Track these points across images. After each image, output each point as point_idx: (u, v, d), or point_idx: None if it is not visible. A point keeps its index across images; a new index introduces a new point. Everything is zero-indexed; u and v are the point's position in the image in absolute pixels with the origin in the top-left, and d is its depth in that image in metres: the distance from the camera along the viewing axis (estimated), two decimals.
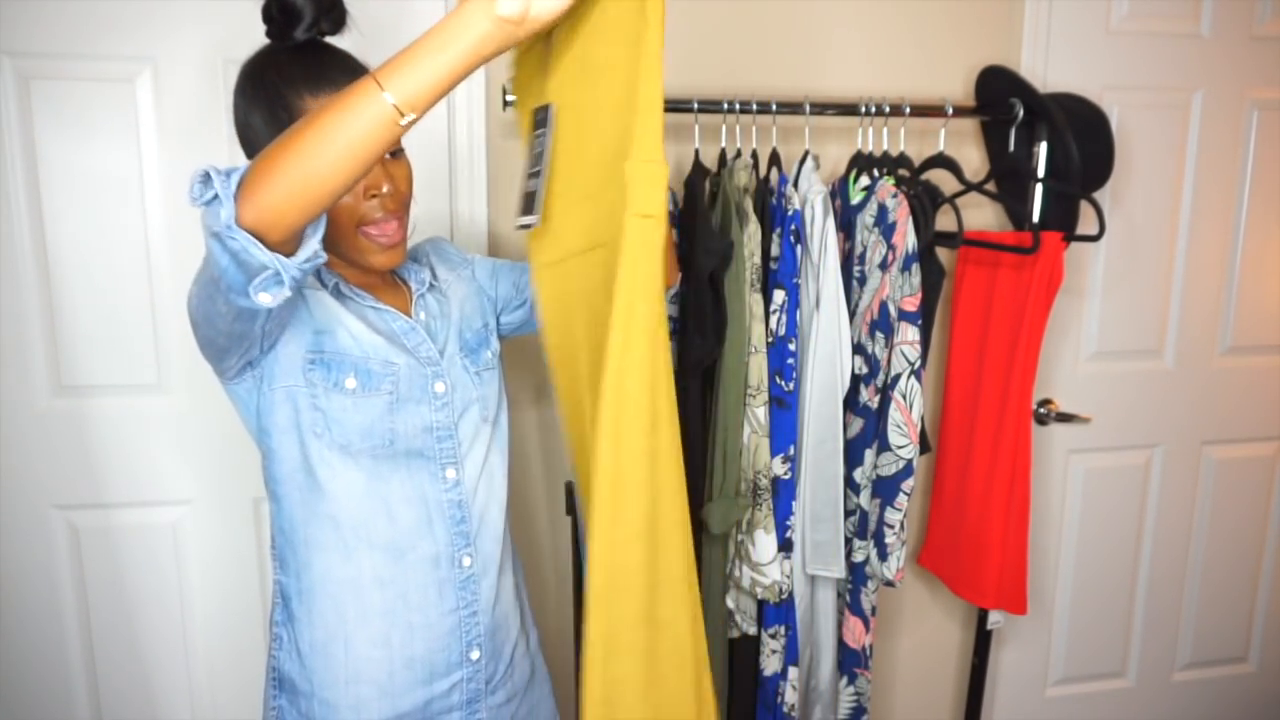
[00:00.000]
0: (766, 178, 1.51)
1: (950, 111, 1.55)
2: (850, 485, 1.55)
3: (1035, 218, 1.64)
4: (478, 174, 1.59)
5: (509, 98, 1.43)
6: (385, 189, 0.95)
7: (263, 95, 0.94)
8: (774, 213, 1.46)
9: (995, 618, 1.84)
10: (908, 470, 1.50)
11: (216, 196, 0.73)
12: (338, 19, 0.96)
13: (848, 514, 1.56)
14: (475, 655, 1.07)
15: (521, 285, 1.22)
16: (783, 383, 1.45)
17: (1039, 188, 1.63)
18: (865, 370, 1.51)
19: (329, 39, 0.97)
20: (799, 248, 1.43)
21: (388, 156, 0.97)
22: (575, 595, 1.65)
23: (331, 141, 0.72)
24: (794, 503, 1.50)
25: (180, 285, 1.55)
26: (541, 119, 0.96)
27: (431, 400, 1.03)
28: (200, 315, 0.88)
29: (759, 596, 1.48)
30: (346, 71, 0.95)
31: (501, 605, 1.11)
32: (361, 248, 0.97)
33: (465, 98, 1.56)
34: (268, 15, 0.94)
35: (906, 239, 1.44)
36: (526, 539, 1.74)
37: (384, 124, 0.73)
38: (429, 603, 1.03)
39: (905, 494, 1.51)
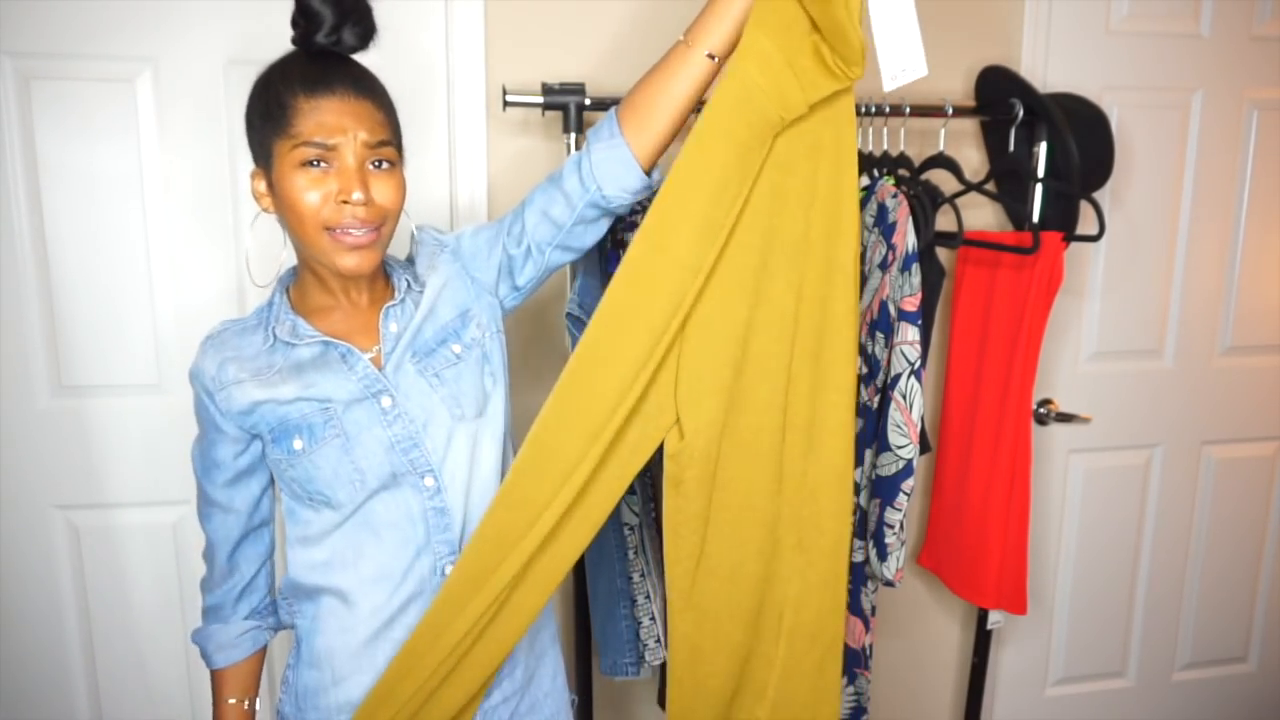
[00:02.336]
0: None
1: (950, 111, 1.55)
2: None
3: (1035, 218, 1.64)
4: (478, 175, 1.59)
5: (509, 98, 1.43)
6: (356, 196, 0.92)
7: (263, 93, 0.95)
8: None
9: (995, 618, 1.84)
10: (907, 470, 1.50)
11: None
12: (364, 33, 0.95)
13: None
14: None
15: (515, 233, 1.10)
16: None
17: (1039, 188, 1.63)
18: (865, 370, 1.51)
19: (357, 55, 0.97)
20: None
21: (371, 167, 0.94)
22: (575, 584, 1.65)
23: None
24: None
25: (180, 284, 1.55)
26: None
27: (381, 417, 1.01)
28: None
29: None
30: (342, 77, 0.93)
31: None
32: (325, 248, 0.95)
33: (465, 97, 1.56)
34: (293, 20, 0.95)
35: (906, 239, 1.44)
36: None
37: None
38: (414, 617, 1.04)
39: (905, 494, 1.51)
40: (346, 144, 0.92)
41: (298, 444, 0.98)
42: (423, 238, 1.15)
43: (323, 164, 0.92)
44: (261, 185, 0.98)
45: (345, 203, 0.92)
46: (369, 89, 0.96)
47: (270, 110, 0.93)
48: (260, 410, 0.99)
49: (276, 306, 1.03)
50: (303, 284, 1.05)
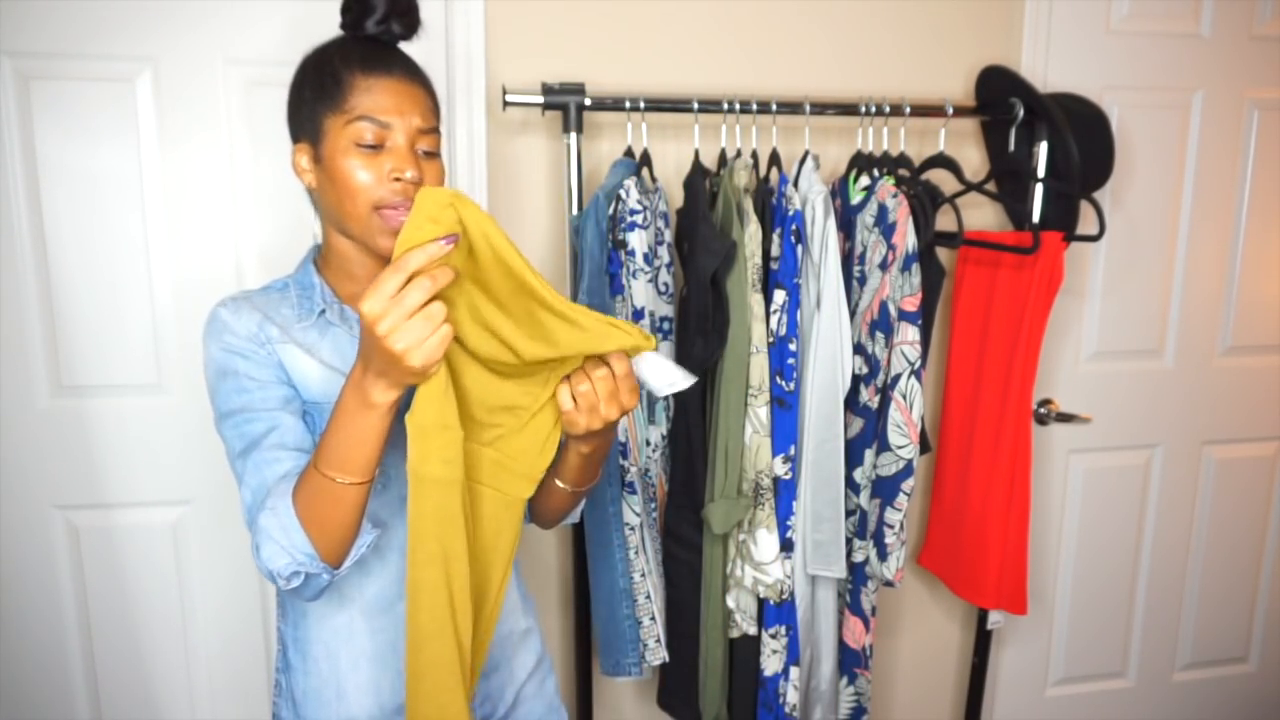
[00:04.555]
0: (766, 177, 1.51)
1: (950, 111, 1.55)
2: (850, 485, 1.55)
3: (1035, 218, 1.64)
4: (478, 175, 1.59)
5: (509, 98, 1.44)
6: (409, 174, 0.94)
7: (318, 69, 0.96)
8: (774, 213, 1.46)
9: (995, 618, 1.84)
10: (908, 470, 1.50)
11: (305, 576, 0.87)
12: (410, 23, 0.98)
13: (848, 514, 1.56)
14: None
15: None
16: (784, 383, 1.45)
17: (1039, 188, 1.63)
18: (865, 370, 1.51)
19: (401, 44, 0.99)
20: (799, 248, 1.43)
21: (421, 154, 0.96)
22: (576, 583, 1.65)
23: (340, 505, 0.85)
24: (794, 502, 1.50)
25: (180, 285, 1.55)
26: None
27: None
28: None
29: (761, 595, 1.48)
30: (400, 62, 0.96)
31: (501, 650, 1.10)
32: (373, 228, 0.95)
33: (465, 97, 1.56)
34: (345, 5, 0.97)
35: (906, 239, 1.44)
36: (523, 556, 1.74)
37: (343, 489, 0.84)
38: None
39: (905, 494, 1.51)
40: (400, 125, 0.94)
41: None
42: None
43: (376, 145, 0.94)
44: (305, 160, 0.99)
45: (398, 180, 0.94)
46: (421, 76, 0.99)
47: (325, 85, 0.95)
48: (305, 378, 0.96)
49: (319, 286, 1.01)
50: (330, 268, 1.04)
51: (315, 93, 0.95)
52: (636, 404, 0.90)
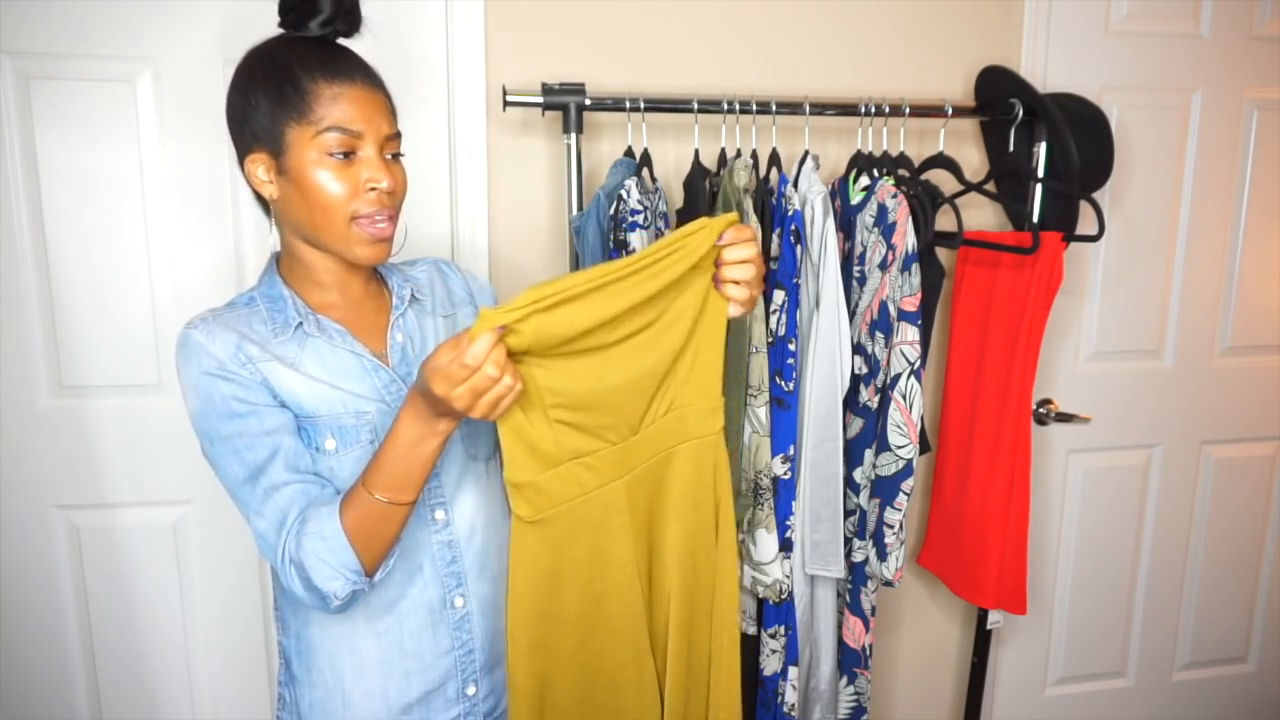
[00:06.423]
0: (766, 177, 1.51)
1: (950, 111, 1.55)
2: (850, 485, 1.55)
3: (1035, 218, 1.64)
4: (478, 175, 1.59)
5: (509, 98, 1.44)
6: (384, 184, 0.93)
7: (273, 75, 0.93)
8: (774, 213, 1.46)
9: (995, 617, 1.84)
10: (907, 470, 1.50)
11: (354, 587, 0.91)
12: (353, 21, 0.95)
13: (847, 514, 1.56)
14: (472, 691, 1.05)
15: None
16: (783, 383, 1.45)
17: (1039, 188, 1.63)
18: (865, 370, 1.51)
19: (342, 40, 0.96)
20: (799, 248, 1.43)
21: (389, 157, 0.95)
22: None
23: (390, 523, 0.90)
24: (794, 502, 1.50)
25: (180, 285, 1.55)
26: None
27: None
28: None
29: (760, 595, 1.48)
30: (358, 67, 0.94)
31: (505, 641, 1.10)
32: (350, 238, 0.94)
33: (465, 97, 1.56)
34: (286, 5, 0.93)
35: (906, 239, 1.44)
36: None
37: (395, 510, 0.90)
38: (423, 647, 1.02)
39: (905, 494, 1.51)
40: (370, 133, 0.93)
41: (329, 444, 0.96)
42: (447, 267, 1.16)
43: (346, 154, 0.92)
44: (263, 171, 0.95)
45: (373, 189, 0.93)
46: (380, 81, 0.97)
47: (284, 93, 0.92)
48: (293, 394, 0.95)
49: (290, 298, 0.99)
50: (295, 277, 1.01)
51: (274, 101, 0.92)
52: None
